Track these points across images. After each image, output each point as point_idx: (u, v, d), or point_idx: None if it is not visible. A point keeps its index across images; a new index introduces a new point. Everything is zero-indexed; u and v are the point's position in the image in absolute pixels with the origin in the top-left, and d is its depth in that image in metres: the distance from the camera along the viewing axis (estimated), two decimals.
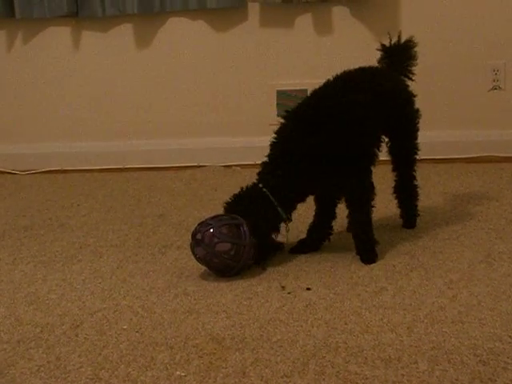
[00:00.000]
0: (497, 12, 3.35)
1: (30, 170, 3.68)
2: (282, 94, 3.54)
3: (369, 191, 2.21)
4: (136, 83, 3.66)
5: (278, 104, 3.55)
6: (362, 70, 2.34)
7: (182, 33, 3.58)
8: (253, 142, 3.56)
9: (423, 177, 3.10)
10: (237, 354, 1.64)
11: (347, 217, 2.21)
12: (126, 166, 3.64)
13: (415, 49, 2.46)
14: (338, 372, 1.53)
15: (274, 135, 2.19)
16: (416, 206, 2.47)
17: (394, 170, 2.44)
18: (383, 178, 3.12)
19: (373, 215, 2.52)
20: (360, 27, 3.44)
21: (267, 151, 2.19)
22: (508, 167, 3.21)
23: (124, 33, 3.61)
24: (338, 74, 2.30)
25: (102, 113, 3.70)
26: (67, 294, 2.05)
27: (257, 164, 3.47)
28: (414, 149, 2.43)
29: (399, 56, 2.45)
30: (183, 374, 1.57)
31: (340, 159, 2.13)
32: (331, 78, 2.28)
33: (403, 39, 2.47)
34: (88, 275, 2.19)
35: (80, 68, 3.68)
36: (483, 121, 3.45)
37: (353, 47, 3.46)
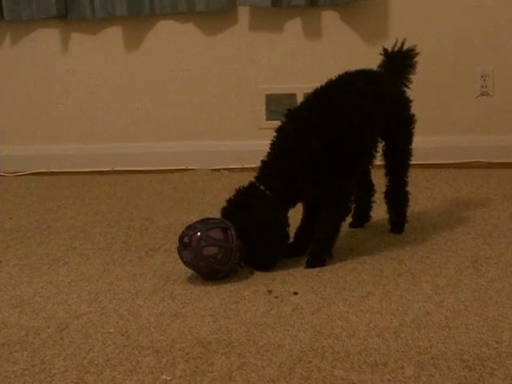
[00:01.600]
0: (485, 18, 3.37)
1: (17, 171, 3.67)
2: (271, 98, 3.54)
3: (347, 208, 2.23)
4: (125, 86, 3.66)
5: (267, 108, 3.55)
6: (363, 73, 2.34)
7: (171, 36, 3.57)
8: (241, 146, 3.56)
9: (411, 182, 3.10)
10: (223, 358, 1.63)
11: (318, 220, 2.21)
12: (114, 169, 3.63)
13: (416, 58, 2.47)
14: (324, 377, 1.53)
15: (275, 134, 2.20)
16: (405, 212, 2.47)
17: (387, 174, 2.44)
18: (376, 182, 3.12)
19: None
20: (349, 32, 3.44)
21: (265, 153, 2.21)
22: (496, 173, 3.22)
23: (113, 35, 3.60)
24: (340, 74, 2.31)
25: (90, 115, 3.69)
26: (53, 297, 2.03)
27: (245, 168, 3.50)
28: (408, 154, 2.43)
29: (400, 63, 2.46)
30: (169, 378, 1.56)
31: (339, 162, 2.15)
32: (333, 79, 2.29)
33: (406, 47, 2.48)
34: (74, 278, 2.18)
35: (69, 70, 3.67)
36: (471, 126, 3.46)
37: (342, 51, 3.46)
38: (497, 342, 1.65)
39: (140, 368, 1.61)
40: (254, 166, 3.49)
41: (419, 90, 3.44)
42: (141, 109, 3.65)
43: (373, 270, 2.13)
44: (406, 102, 2.41)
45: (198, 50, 3.57)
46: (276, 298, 1.96)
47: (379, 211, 2.67)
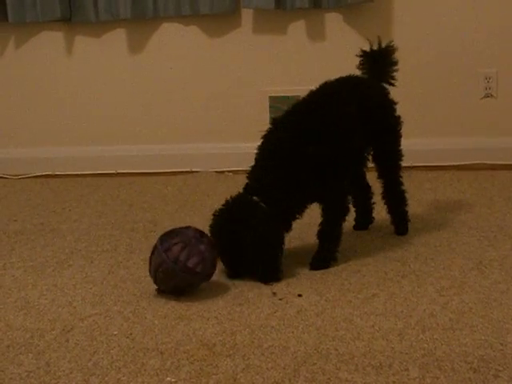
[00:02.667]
0: (489, 20, 3.36)
1: (22, 174, 3.67)
2: (274, 100, 3.54)
3: (345, 208, 2.23)
4: (129, 88, 3.66)
5: (270, 110, 3.55)
6: (345, 80, 2.35)
7: (175, 38, 3.58)
8: (245, 148, 3.54)
9: (415, 184, 3.11)
10: (227, 360, 1.64)
11: (319, 224, 2.21)
12: (118, 171, 3.63)
13: (395, 54, 2.45)
14: (328, 379, 1.53)
15: (262, 140, 2.19)
16: (406, 211, 2.47)
17: (379, 177, 2.43)
18: (376, 184, 3.13)
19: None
20: (353, 34, 3.45)
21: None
22: (499, 175, 3.21)
23: (117, 38, 3.61)
24: (322, 84, 2.31)
25: (94, 117, 3.69)
26: (58, 300, 2.04)
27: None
28: (398, 155, 2.43)
29: (380, 62, 2.45)
30: (173, 380, 1.56)
31: (332, 167, 2.14)
32: (315, 88, 2.30)
33: (384, 44, 2.46)
34: (79, 280, 2.18)
35: (73, 73, 3.67)
36: (475, 128, 3.46)
37: (345, 54, 3.45)
38: (501, 344, 1.65)
39: (145, 370, 1.61)
40: None
41: (423, 92, 3.46)
42: (145, 111, 3.66)
43: (377, 271, 2.13)
44: (390, 105, 2.41)
45: (201, 52, 3.57)
46: (280, 300, 1.96)
47: (382, 213, 2.67)
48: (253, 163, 2.18)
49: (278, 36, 3.51)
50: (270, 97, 3.54)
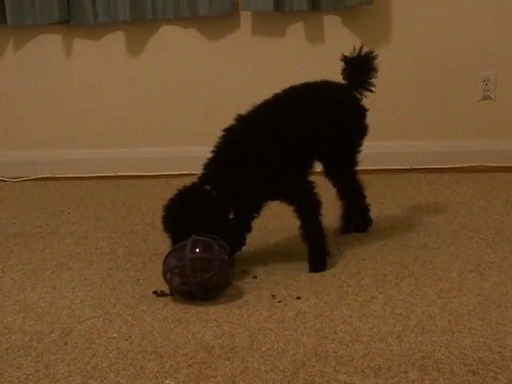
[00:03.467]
0: (488, 22, 3.37)
1: (21, 177, 3.67)
2: None
3: (316, 202, 2.25)
4: (128, 91, 3.66)
5: None
6: (310, 85, 2.38)
7: (174, 41, 3.58)
8: None
9: (414, 186, 3.12)
10: (226, 362, 1.64)
11: (299, 228, 2.23)
12: (118, 174, 3.63)
13: (375, 61, 2.47)
14: (327, 381, 1.53)
15: (223, 133, 2.22)
16: (367, 209, 2.50)
17: (330, 179, 2.43)
18: (375, 186, 3.14)
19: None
20: (351, 36, 3.45)
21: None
22: (498, 177, 3.22)
23: (116, 40, 3.61)
24: (287, 87, 2.35)
25: (93, 120, 3.69)
26: (57, 302, 2.04)
27: None
28: (356, 161, 2.43)
29: (359, 68, 2.46)
30: (172, 383, 1.56)
31: (281, 168, 2.18)
32: (281, 91, 2.33)
33: (364, 52, 2.48)
34: (78, 283, 2.18)
35: (72, 75, 3.67)
36: (474, 130, 3.46)
37: None
38: (500, 346, 1.65)
39: (144, 373, 1.61)
40: None
41: (422, 95, 3.46)
42: (144, 114, 3.66)
43: (376, 274, 2.13)
44: (359, 111, 2.42)
45: (200, 54, 3.57)
46: (279, 302, 1.96)
47: (382, 215, 2.68)
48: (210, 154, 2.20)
49: (276, 38, 3.51)
50: None
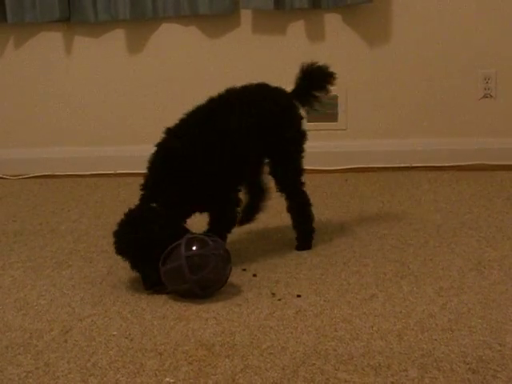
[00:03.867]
0: (488, 21, 3.37)
1: (21, 174, 3.67)
2: None
3: (234, 217, 2.26)
4: (128, 88, 3.66)
5: None
6: (247, 90, 2.33)
7: (174, 39, 3.58)
8: None
9: (414, 184, 3.12)
10: (226, 360, 1.64)
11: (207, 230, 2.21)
12: (117, 172, 3.63)
13: (330, 82, 2.39)
14: (327, 379, 1.53)
15: (156, 149, 2.18)
16: (308, 227, 2.38)
17: (279, 190, 2.35)
18: (374, 185, 3.14)
19: (359, 223, 2.54)
20: (352, 34, 3.45)
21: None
22: (499, 175, 3.22)
23: (116, 38, 3.61)
24: (222, 92, 2.31)
25: (93, 118, 3.69)
26: (57, 300, 2.04)
27: None
28: (298, 170, 2.35)
29: (312, 81, 2.40)
30: (172, 381, 1.56)
31: (224, 178, 2.17)
32: (215, 96, 2.29)
33: (327, 69, 2.40)
34: (78, 281, 2.18)
35: (72, 73, 3.67)
36: (474, 129, 3.46)
37: (345, 54, 3.47)
38: (500, 345, 1.65)
39: (143, 371, 1.61)
40: None
41: (422, 93, 3.46)
42: (144, 111, 3.66)
43: (376, 272, 2.13)
44: (295, 119, 2.35)
45: (200, 52, 3.57)
46: (279, 300, 1.96)
47: (382, 213, 2.68)
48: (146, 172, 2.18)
49: (277, 36, 3.51)
50: None
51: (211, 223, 2.23)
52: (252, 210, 2.46)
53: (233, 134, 2.19)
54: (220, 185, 2.17)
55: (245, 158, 2.23)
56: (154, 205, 2.10)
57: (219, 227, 2.22)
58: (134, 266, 2.07)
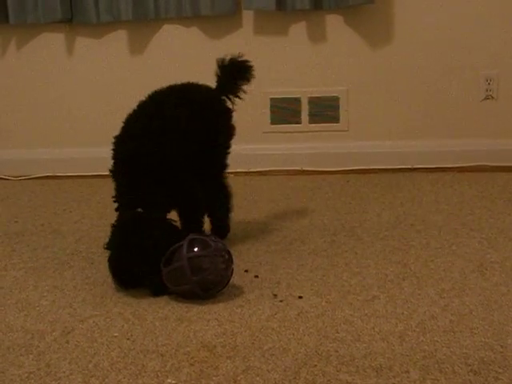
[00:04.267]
0: (490, 22, 3.37)
1: (22, 175, 3.68)
2: (275, 102, 3.54)
3: (200, 204, 2.29)
4: (130, 89, 3.66)
5: (271, 112, 3.55)
6: (175, 88, 2.41)
7: (176, 40, 3.58)
8: (246, 150, 3.56)
9: (416, 186, 3.12)
10: (228, 361, 1.64)
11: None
12: None
13: (250, 71, 2.47)
14: (329, 381, 1.53)
15: (113, 161, 2.23)
16: (227, 216, 2.46)
17: (205, 180, 2.40)
18: (376, 186, 3.14)
19: (360, 224, 2.54)
20: (353, 35, 3.45)
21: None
22: (500, 176, 3.22)
23: (118, 39, 3.61)
24: (151, 93, 2.39)
25: (95, 118, 3.70)
26: (58, 301, 2.04)
27: (250, 172, 3.50)
28: (226, 163, 2.45)
29: (232, 74, 2.48)
30: (174, 382, 1.56)
31: (178, 168, 2.21)
32: (145, 99, 2.38)
33: (244, 60, 2.48)
34: (79, 282, 2.18)
35: (74, 74, 3.68)
36: (476, 130, 3.46)
37: (346, 55, 3.47)
38: (502, 346, 1.65)
39: (145, 372, 1.61)
40: (259, 169, 3.54)
41: (424, 94, 3.46)
42: None
43: (377, 274, 2.13)
44: (225, 112, 2.44)
45: (202, 53, 3.57)
46: (281, 301, 1.96)
47: (383, 215, 2.68)
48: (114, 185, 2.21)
49: (278, 37, 3.51)
50: (271, 98, 3.54)
51: (184, 217, 2.25)
52: (219, 222, 2.47)
53: (177, 124, 2.25)
54: (182, 175, 2.21)
55: (192, 147, 2.29)
56: (139, 210, 2.11)
57: (194, 219, 2.26)
58: (139, 276, 2.05)
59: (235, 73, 2.47)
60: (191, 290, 1.96)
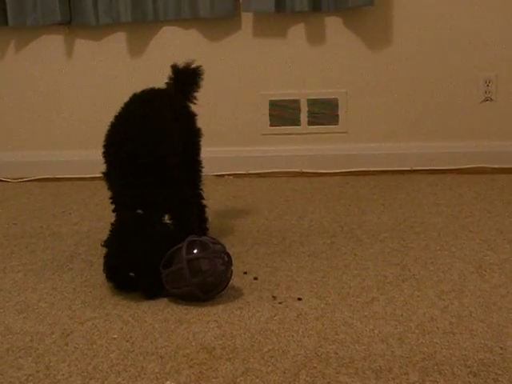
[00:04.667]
0: (489, 24, 3.37)
1: (22, 177, 3.67)
2: (274, 104, 3.54)
3: (193, 205, 2.31)
4: (129, 91, 3.64)
5: (270, 114, 3.56)
6: (153, 92, 2.45)
7: (175, 42, 3.58)
8: (245, 152, 3.56)
9: (415, 188, 3.12)
10: (227, 363, 1.63)
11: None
12: None
13: (201, 77, 2.52)
14: (328, 383, 1.53)
15: (106, 165, 2.31)
16: (203, 227, 2.46)
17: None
18: (375, 188, 3.14)
19: (359, 226, 2.53)
20: (352, 37, 3.45)
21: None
22: (499, 178, 3.22)
23: (117, 41, 3.61)
24: (133, 96, 2.45)
25: (94, 120, 3.69)
26: (57, 303, 2.04)
27: (249, 173, 3.50)
28: (200, 165, 2.50)
29: (185, 80, 2.52)
30: None
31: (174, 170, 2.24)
32: (125, 104, 2.42)
33: (196, 66, 2.53)
34: (79, 284, 2.18)
35: (73, 76, 3.68)
36: (475, 132, 3.46)
37: (345, 57, 3.47)
38: (501, 348, 1.65)
39: (144, 374, 1.61)
40: (258, 171, 3.54)
41: (423, 96, 3.46)
42: None
43: (377, 275, 2.13)
44: (193, 116, 2.49)
45: (201, 55, 3.55)
46: (280, 303, 1.96)
47: (383, 217, 2.68)
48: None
49: (277, 39, 3.51)
50: (270, 100, 3.54)
51: (178, 219, 2.24)
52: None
53: (170, 125, 2.29)
54: (176, 176, 2.23)
55: (180, 148, 2.34)
56: (139, 211, 2.11)
57: (186, 220, 2.25)
58: (135, 277, 2.05)
59: (190, 79, 2.52)
60: (191, 292, 1.96)
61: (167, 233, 2.09)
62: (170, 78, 2.53)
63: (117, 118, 2.34)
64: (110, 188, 2.24)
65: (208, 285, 1.97)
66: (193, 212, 2.31)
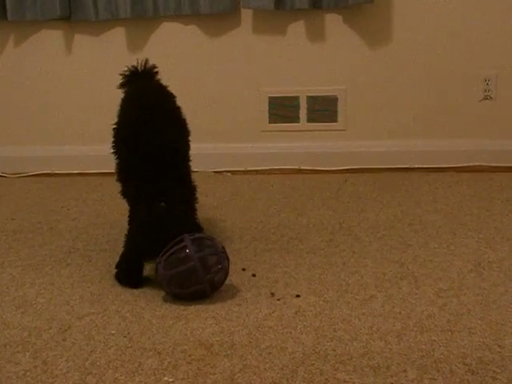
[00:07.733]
0: (489, 22, 3.37)
1: (20, 173, 3.67)
2: (273, 101, 3.54)
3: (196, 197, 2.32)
4: None
5: (269, 111, 3.55)
6: (152, 85, 2.49)
7: (174, 38, 3.57)
8: (244, 149, 3.56)
9: (414, 185, 3.11)
10: (225, 360, 1.63)
11: None
12: None
13: (157, 77, 2.55)
14: (326, 379, 1.53)
15: (118, 158, 2.27)
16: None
17: None
18: (374, 185, 3.14)
19: (358, 223, 2.53)
20: (352, 35, 3.44)
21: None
22: (498, 177, 3.22)
23: (117, 37, 3.60)
24: (135, 90, 2.45)
25: (93, 116, 3.69)
26: (55, 298, 2.03)
27: (248, 170, 3.50)
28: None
29: (141, 80, 2.53)
30: (171, 380, 1.56)
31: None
32: (135, 93, 2.43)
33: (151, 66, 2.56)
34: (77, 279, 2.18)
35: (72, 71, 3.67)
36: (474, 130, 3.46)
37: (345, 54, 3.47)
38: (499, 346, 1.65)
39: (142, 370, 1.61)
40: (256, 168, 3.53)
41: (423, 94, 3.46)
42: None
43: (375, 273, 2.13)
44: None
45: (201, 52, 3.57)
46: (278, 300, 1.96)
47: (381, 214, 2.68)
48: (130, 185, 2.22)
49: (277, 36, 3.51)
50: (270, 97, 3.54)
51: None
52: None
53: (183, 119, 2.38)
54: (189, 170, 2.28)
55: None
56: (163, 204, 2.10)
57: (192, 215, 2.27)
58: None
59: (148, 80, 2.55)
60: (202, 289, 1.95)
61: (198, 226, 2.14)
62: (125, 80, 2.54)
63: (131, 111, 2.31)
64: (126, 181, 2.21)
65: (218, 281, 1.97)
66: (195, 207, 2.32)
